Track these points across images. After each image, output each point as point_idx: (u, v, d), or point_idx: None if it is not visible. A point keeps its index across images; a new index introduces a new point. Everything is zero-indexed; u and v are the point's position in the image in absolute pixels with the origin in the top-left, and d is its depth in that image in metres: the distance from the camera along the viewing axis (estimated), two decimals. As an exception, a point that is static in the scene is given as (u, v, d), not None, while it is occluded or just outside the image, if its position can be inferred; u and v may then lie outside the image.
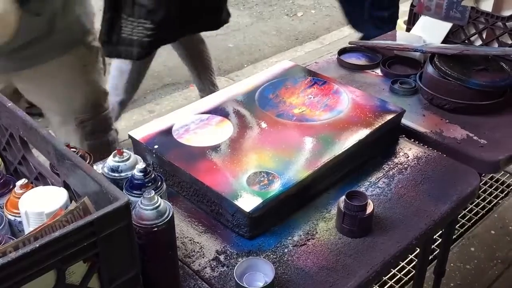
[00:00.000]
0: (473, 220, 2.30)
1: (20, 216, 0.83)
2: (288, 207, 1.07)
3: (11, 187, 0.90)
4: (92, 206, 0.73)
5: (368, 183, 1.17)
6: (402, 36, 1.72)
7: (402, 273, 2.03)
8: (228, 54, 3.85)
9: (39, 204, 0.78)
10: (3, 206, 0.87)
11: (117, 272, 0.75)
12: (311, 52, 3.87)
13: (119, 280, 0.75)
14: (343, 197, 1.03)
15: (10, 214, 0.86)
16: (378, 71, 1.64)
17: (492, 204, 2.40)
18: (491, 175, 2.52)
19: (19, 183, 0.85)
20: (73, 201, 0.80)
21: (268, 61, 3.75)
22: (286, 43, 3.89)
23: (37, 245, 0.61)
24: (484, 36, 1.60)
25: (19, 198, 0.82)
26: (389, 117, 1.25)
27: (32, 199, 0.80)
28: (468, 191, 1.16)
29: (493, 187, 2.50)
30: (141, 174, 0.92)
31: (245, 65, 3.75)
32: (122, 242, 0.73)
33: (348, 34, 4.07)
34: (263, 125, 1.22)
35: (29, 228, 0.79)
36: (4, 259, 0.60)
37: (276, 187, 1.03)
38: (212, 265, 0.97)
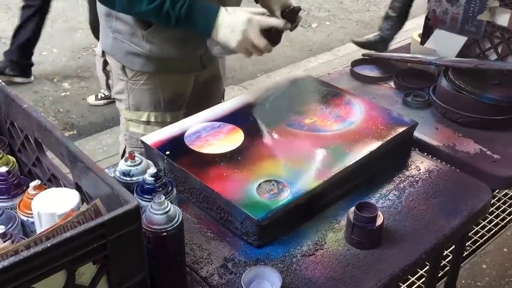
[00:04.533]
0: (485, 237, 2.27)
1: (32, 217, 0.84)
2: (297, 216, 1.07)
3: (24, 188, 0.91)
4: (104, 208, 0.74)
5: (379, 195, 1.17)
6: (416, 49, 1.72)
7: (411, 288, 2.01)
8: (242, 64, 3.87)
9: (52, 205, 0.79)
10: (16, 207, 0.89)
11: (126, 275, 0.75)
12: (325, 63, 3.88)
13: (127, 283, 0.76)
14: (353, 208, 1.03)
15: (23, 215, 0.87)
16: (391, 83, 1.64)
17: (505, 221, 2.36)
18: (505, 191, 2.49)
19: (32, 184, 0.86)
20: (84, 203, 0.81)
21: (281, 71, 3.76)
22: (300, 54, 3.91)
23: (49, 245, 0.62)
24: (499, 50, 1.59)
25: (32, 199, 0.83)
26: (401, 129, 1.25)
27: (44, 200, 0.81)
28: (479, 206, 1.15)
29: (507, 204, 2.46)
30: (152, 179, 0.93)
31: (259, 75, 3.77)
32: (131, 245, 0.73)
33: (362, 47, 4.07)
34: (274, 134, 1.23)
35: (41, 228, 0.80)
36: (16, 257, 0.61)
37: (285, 196, 1.03)
38: (220, 272, 0.97)
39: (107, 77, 1.49)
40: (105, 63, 1.48)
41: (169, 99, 1.45)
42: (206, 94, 1.56)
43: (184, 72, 1.45)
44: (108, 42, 1.42)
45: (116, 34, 1.38)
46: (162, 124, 1.43)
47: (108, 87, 1.51)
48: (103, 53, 1.46)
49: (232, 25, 1.21)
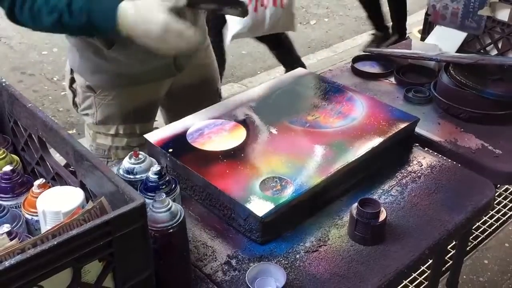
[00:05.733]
0: (487, 232, 2.28)
1: (37, 215, 0.84)
2: (301, 213, 1.08)
3: (29, 186, 0.91)
4: (109, 206, 0.74)
5: (381, 191, 1.17)
6: (417, 45, 1.72)
7: (414, 284, 2.01)
8: (242, 61, 3.87)
9: (56, 204, 0.80)
10: (20, 205, 0.89)
11: (131, 272, 0.75)
12: (323, 60, 3.89)
13: (132, 281, 0.76)
14: (356, 204, 1.03)
15: (27, 213, 0.87)
16: (392, 79, 1.64)
17: (506, 216, 2.37)
18: (506, 186, 2.50)
19: (37, 182, 0.86)
20: (90, 201, 0.81)
21: (281, 68, 3.76)
22: (299, 51, 3.90)
23: (55, 243, 0.62)
24: (499, 46, 1.59)
25: (36, 197, 0.84)
26: (403, 125, 1.25)
27: (49, 199, 0.81)
28: (483, 202, 1.15)
29: (508, 199, 2.47)
30: (156, 176, 0.94)
31: (258, 72, 3.77)
32: (137, 242, 0.74)
33: (361, 43, 4.07)
34: (276, 131, 1.23)
35: (46, 226, 0.80)
36: (23, 255, 0.61)
37: (289, 193, 1.04)
38: (224, 269, 0.98)
39: (74, 95, 1.44)
40: (72, 81, 1.43)
41: (140, 110, 1.43)
42: (196, 97, 1.52)
43: (158, 80, 1.42)
44: (75, 60, 1.38)
45: (82, 52, 1.34)
46: (131, 135, 1.41)
47: (75, 105, 1.47)
48: (71, 70, 1.42)
49: (147, 31, 1.07)
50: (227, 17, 2.38)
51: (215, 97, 1.62)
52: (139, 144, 1.39)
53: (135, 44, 1.12)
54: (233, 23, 2.38)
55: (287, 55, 3.35)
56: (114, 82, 1.36)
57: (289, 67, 3.41)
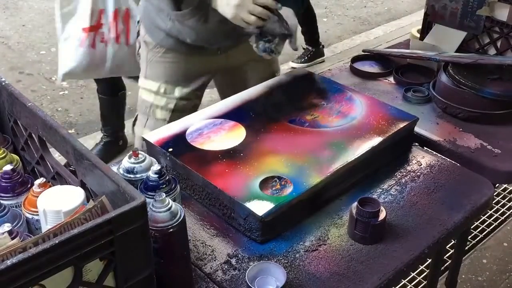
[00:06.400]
0: (485, 232, 2.28)
1: (37, 214, 0.84)
2: (300, 212, 1.08)
3: (29, 186, 0.91)
4: (110, 205, 0.74)
5: (381, 190, 1.17)
6: (416, 45, 1.73)
7: (412, 283, 2.02)
8: (240, 61, 3.86)
9: (57, 203, 0.80)
10: (21, 205, 0.89)
11: (132, 271, 0.76)
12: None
13: (133, 280, 0.76)
14: (356, 203, 1.03)
15: (28, 212, 0.87)
16: (391, 79, 1.64)
17: (505, 216, 2.37)
18: (504, 186, 2.50)
19: (37, 182, 0.86)
20: (90, 200, 0.82)
21: (280, 68, 3.75)
22: (298, 51, 3.91)
23: (57, 242, 0.62)
24: (498, 45, 1.60)
25: (37, 196, 0.84)
26: (402, 124, 1.25)
27: (50, 198, 0.81)
28: (482, 201, 1.15)
29: (506, 199, 2.47)
30: (156, 175, 0.94)
31: (257, 72, 3.76)
32: (137, 241, 0.74)
33: (359, 43, 4.08)
34: (276, 130, 1.23)
35: (46, 226, 0.80)
36: (25, 254, 0.61)
37: (288, 192, 1.04)
38: (224, 268, 0.98)
39: (139, 45, 1.56)
40: (139, 33, 1.55)
41: (184, 75, 1.51)
42: (249, 75, 1.59)
43: (203, 55, 1.50)
44: (142, 14, 1.51)
45: (147, 4, 1.46)
46: (170, 97, 1.51)
47: (138, 55, 1.57)
48: (139, 23, 1.55)
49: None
50: (59, 53, 2.03)
51: (270, 73, 1.65)
52: (176, 108, 1.50)
53: (193, 18, 1.32)
54: (65, 60, 2.03)
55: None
56: (164, 40, 1.46)
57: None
